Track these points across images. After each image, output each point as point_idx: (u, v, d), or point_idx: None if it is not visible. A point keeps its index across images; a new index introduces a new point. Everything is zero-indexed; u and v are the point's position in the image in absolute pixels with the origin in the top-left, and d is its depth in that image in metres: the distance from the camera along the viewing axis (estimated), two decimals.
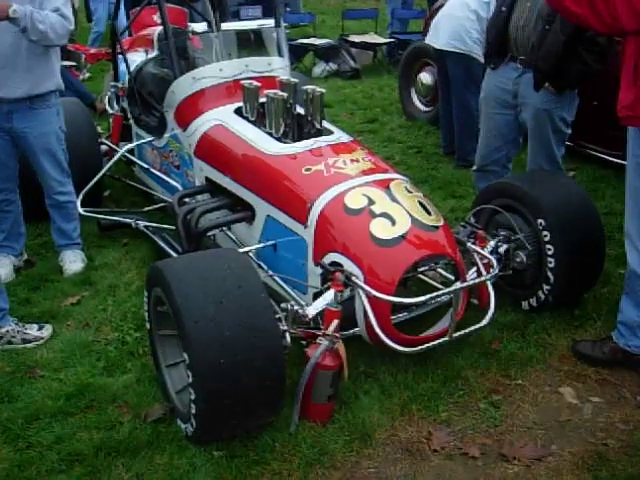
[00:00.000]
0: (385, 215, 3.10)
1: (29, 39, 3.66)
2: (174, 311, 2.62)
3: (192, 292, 2.60)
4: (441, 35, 5.75)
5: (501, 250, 3.52)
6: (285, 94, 3.79)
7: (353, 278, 2.97)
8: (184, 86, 4.19)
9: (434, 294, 3.03)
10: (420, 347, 3.03)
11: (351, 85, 8.81)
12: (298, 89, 3.90)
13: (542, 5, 3.69)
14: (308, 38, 9.83)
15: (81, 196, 4.56)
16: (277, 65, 4.38)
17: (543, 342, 3.46)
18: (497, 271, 3.31)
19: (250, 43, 4.62)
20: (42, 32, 3.63)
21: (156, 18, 5.76)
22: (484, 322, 3.18)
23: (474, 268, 3.38)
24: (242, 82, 3.98)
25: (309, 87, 3.79)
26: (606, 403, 3.10)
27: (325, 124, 3.88)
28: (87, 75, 8.58)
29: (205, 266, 2.74)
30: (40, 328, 3.59)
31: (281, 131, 3.77)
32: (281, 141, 3.71)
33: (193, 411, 2.64)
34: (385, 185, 3.27)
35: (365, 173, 3.36)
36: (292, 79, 4.00)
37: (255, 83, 3.93)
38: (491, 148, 4.25)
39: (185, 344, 2.59)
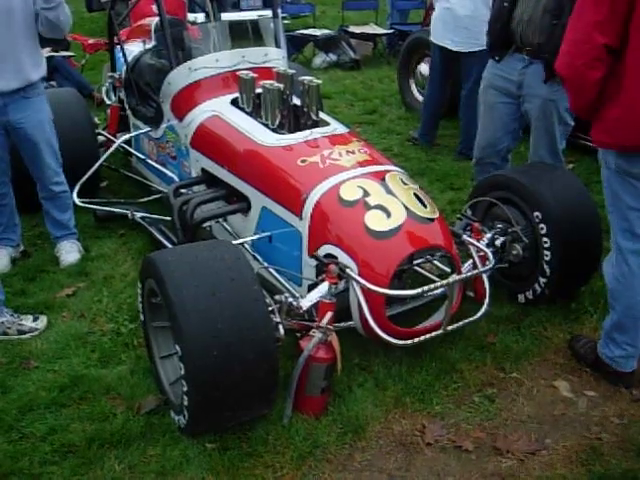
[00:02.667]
0: (380, 207, 3.08)
1: (46, 31, 3.76)
2: (166, 303, 2.61)
3: (184, 284, 2.59)
4: (457, 36, 5.65)
5: (497, 243, 3.50)
6: (281, 85, 3.78)
7: (347, 270, 2.95)
8: (180, 77, 4.17)
9: (428, 287, 3.02)
10: (414, 340, 3.02)
11: (351, 76, 8.77)
12: (295, 80, 3.88)
13: None
14: (308, 29, 9.79)
15: (78, 187, 4.55)
16: (274, 56, 4.36)
17: (539, 335, 3.45)
18: (493, 264, 3.30)
19: (247, 34, 4.59)
20: (62, 22, 3.77)
21: (155, 8, 5.73)
22: (479, 315, 3.17)
23: (470, 261, 3.37)
24: (238, 73, 3.96)
25: (306, 78, 3.77)
26: (601, 397, 3.09)
27: (322, 115, 3.86)
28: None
29: (198, 258, 2.72)
30: (35, 319, 3.58)
31: (277, 122, 3.75)
32: (277, 132, 3.70)
33: (185, 403, 2.63)
34: (380, 177, 3.25)
35: (361, 165, 3.34)
36: (289, 70, 3.98)
37: (251, 74, 3.91)
38: (492, 139, 4.22)
39: (177, 336, 2.58)
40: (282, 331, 2.79)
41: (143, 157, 4.86)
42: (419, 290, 2.99)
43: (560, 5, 3.64)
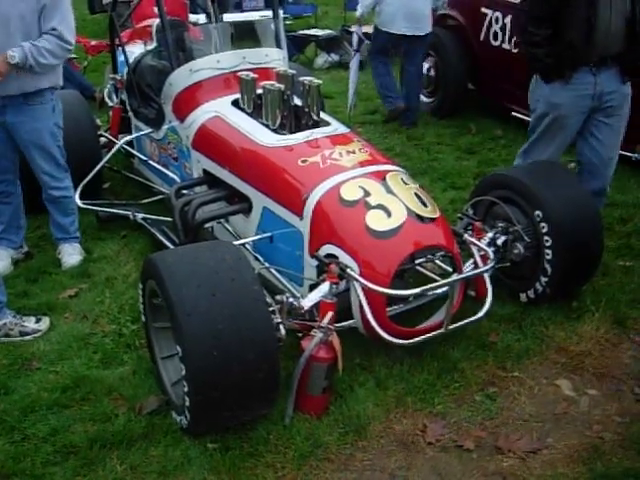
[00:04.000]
0: (381, 207, 3.09)
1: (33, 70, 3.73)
2: (167, 304, 2.62)
3: (185, 284, 2.59)
4: (421, 23, 6.35)
5: (499, 242, 3.50)
6: (281, 85, 3.78)
7: (348, 270, 2.95)
8: (181, 78, 4.17)
9: (428, 286, 3.02)
10: (415, 339, 3.02)
11: None
12: (295, 80, 3.88)
13: (623, 6, 3.71)
14: (310, 29, 9.79)
15: (79, 188, 4.55)
16: (275, 56, 4.36)
17: (540, 334, 3.44)
18: (494, 263, 3.29)
19: (248, 34, 4.59)
20: (45, 65, 3.75)
21: (156, 9, 5.74)
22: (480, 314, 3.17)
23: (471, 260, 3.36)
24: (239, 74, 3.97)
25: (306, 78, 3.77)
26: (603, 396, 3.09)
27: (322, 115, 3.86)
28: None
29: (199, 258, 2.72)
30: (38, 321, 3.59)
31: (278, 123, 3.75)
32: (278, 133, 3.70)
33: (187, 403, 2.64)
34: (381, 177, 3.26)
35: (361, 165, 3.35)
36: (289, 70, 3.98)
37: (252, 75, 3.91)
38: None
39: (178, 337, 2.58)
40: (283, 331, 2.80)
41: (145, 158, 4.87)
42: (419, 290, 2.99)
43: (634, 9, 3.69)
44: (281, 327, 2.80)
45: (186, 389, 2.60)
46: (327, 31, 9.69)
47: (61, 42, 3.77)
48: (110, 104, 5.49)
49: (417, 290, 3.00)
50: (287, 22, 10.36)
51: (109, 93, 5.53)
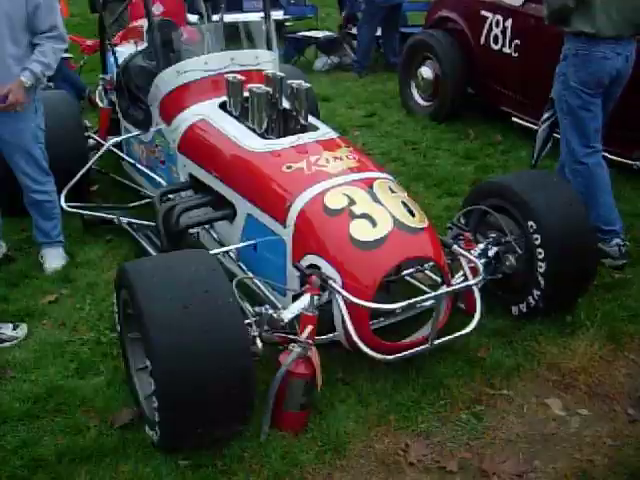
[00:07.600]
0: (366, 216, 2.98)
1: None
2: (137, 315, 2.52)
3: (156, 296, 2.49)
4: None
5: (490, 253, 3.39)
6: (269, 88, 3.67)
7: (330, 282, 2.84)
8: (168, 80, 4.07)
9: (413, 300, 2.91)
10: (399, 355, 2.91)
11: (352, 79, 8.65)
12: (284, 83, 3.77)
13: None
14: (310, 31, 9.67)
15: (65, 191, 4.45)
16: (264, 58, 4.23)
17: (532, 350, 3.32)
18: (483, 276, 3.18)
19: (239, 36, 4.48)
20: (52, 70, 3.82)
21: (154, 9, 5.64)
22: (468, 329, 3.05)
23: (461, 272, 3.25)
24: (226, 76, 3.86)
25: (295, 81, 3.67)
26: (595, 416, 2.97)
27: (311, 119, 3.75)
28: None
29: (172, 268, 2.62)
30: (15, 327, 3.50)
31: (264, 127, 3.65)
32: (264, 137, 3.59)
33: (157, 419, 2.53)
34: (368, 184, 3.15)
35: (348, 172, 3.24)
36: (278, 73, 3.87)
37: (239, 77, 3.80)
38: None
39: (148, 350, 2.48)
40: (260, 345, 2.69)
41: (133, 161, 4.77)
42: (403, 304, 2.88)
43: None
44: (257, 341, 2.69)
45: (155, 405, 2.50)
46: (327, 33, 9.56)
47: (62, 42, 3.80)
48: (101, 105, 5.39)
49: (400, 304, 2.88)
50: (288, 23, 10.27)
51: (99, 94, 5.43)
